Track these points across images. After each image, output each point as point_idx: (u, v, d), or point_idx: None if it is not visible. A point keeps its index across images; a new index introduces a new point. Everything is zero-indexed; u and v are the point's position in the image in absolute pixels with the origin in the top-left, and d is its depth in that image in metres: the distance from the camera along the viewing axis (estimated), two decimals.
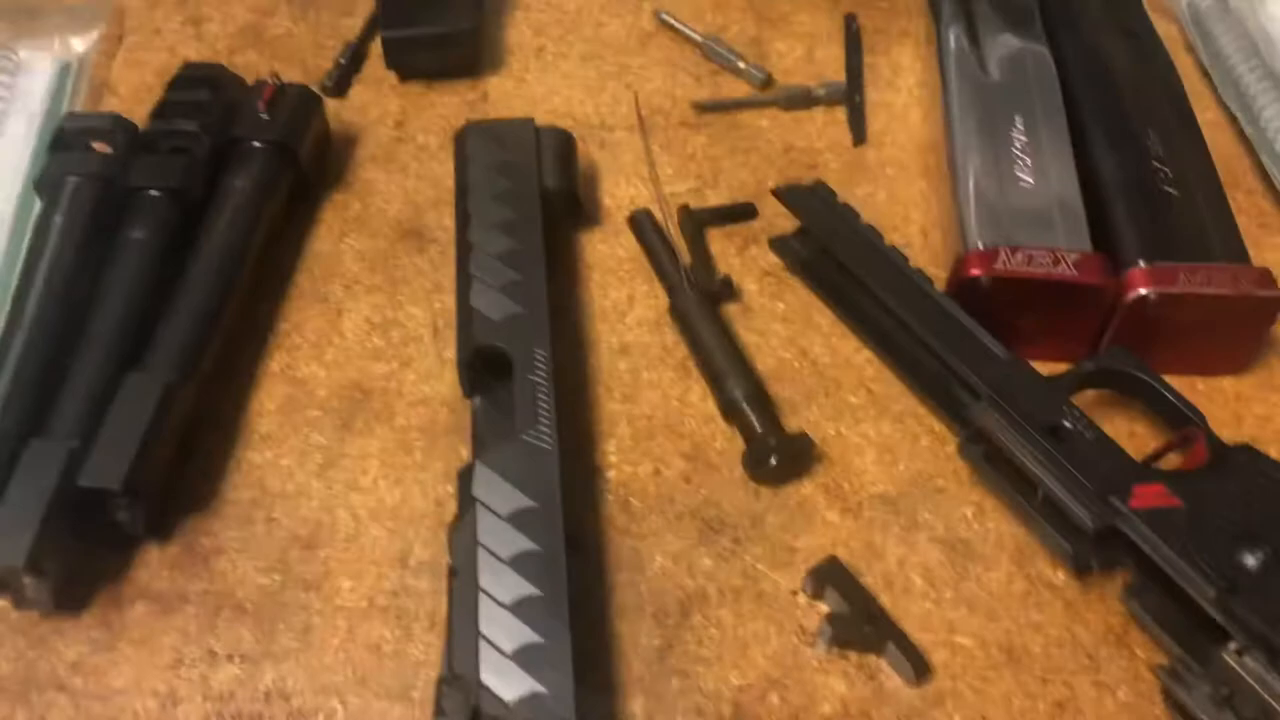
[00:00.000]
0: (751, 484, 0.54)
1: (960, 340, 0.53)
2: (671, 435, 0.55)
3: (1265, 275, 0.53)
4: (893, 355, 0.57)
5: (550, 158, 0.61)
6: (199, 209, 0.59)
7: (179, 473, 0.53)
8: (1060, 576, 0.51)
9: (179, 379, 0.52)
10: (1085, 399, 0.55)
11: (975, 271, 0.54)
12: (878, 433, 0.56)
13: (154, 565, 0.51)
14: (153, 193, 0.58)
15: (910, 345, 0.56)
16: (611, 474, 0.54)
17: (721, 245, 0.63)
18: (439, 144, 0.68)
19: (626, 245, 0.63)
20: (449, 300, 0.60)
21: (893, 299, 0.55)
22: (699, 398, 0.57)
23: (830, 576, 0.50)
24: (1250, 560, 0.44)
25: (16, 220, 0.61)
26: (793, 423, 0.56)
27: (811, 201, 0.59)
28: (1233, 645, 0.43)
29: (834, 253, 0.58)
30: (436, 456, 0.54)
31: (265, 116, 0.62)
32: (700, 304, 0.58)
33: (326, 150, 0.66)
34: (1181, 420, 0.51)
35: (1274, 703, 0.41)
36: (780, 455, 0.52)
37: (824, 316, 0.60)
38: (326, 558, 0.51)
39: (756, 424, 0.53)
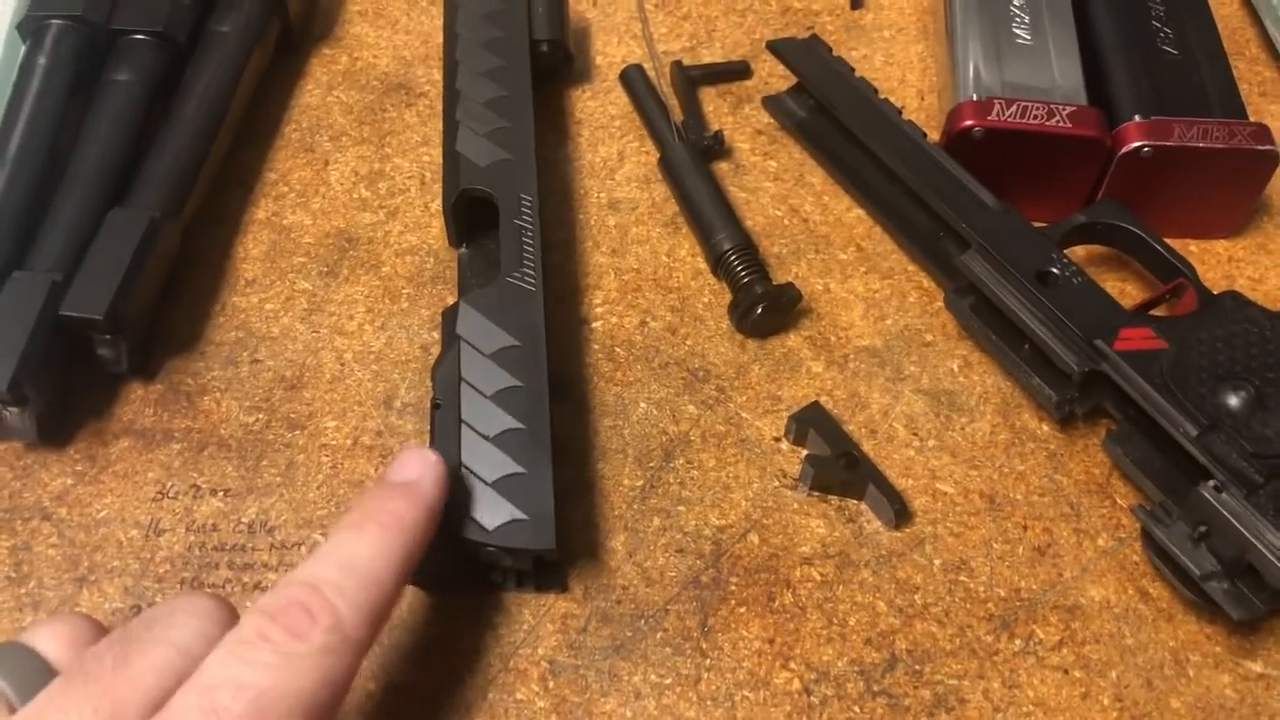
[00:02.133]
0: (738, 336, 0.54)
1: (952, 190, 0.52)
2: (659, 289, 0.55)
3: (1261, 130, 0.53)
4: (884, 212, 0.56)
5: (541, 8, 0.60)
6: (185, 54, 0.58)
7: (164, 314, 0.53)
8: (1045, 428, 0.51)
9: (163, 214, 0.51)
10: (1075, 256, 0.54)
11: (969, 122, 0.53)
12: (866, 288, 0.55)
13: (138, 403, 0.51)
14: (138, 36, 0.57)
15: (902, 201, 0.56)
16: (598, 324, 0.54)
17: (714, 104, 0.62)
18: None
19: (618, 102, 0.62)
20: (436, 154, 0.60)
21: (885, 150, 0.54)
22: (688, 253, 0.56)
23: (812, 420, 0.50)
24: (1233, 400, 0.44)
25: (3, 61, 0.60)
26: (781, 277, 0.55)
27: (806, 54, 0.58)
28: (1211, 482, 0.43)
29: (827, 105, 0.57)
30: (423, 304, 0.54)
31: None
32: (691, 158, 0.57)
33: (314, 2, 0.65)
34: (1172, 273, 0.51)
35: (1250, 537, 0.42)
36: (766, 305, 0.52)
37: (816, 175, 0.59)
38: (311, 398, 0.51)
39: (743, 274, 0.53)
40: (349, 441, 0.50)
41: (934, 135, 0.57)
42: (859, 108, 0.56)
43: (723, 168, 0.59)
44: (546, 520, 0.43)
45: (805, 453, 0.50)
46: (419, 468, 0.40)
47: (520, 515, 0.43)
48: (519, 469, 0.44)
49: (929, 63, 0.64)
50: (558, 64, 0.61)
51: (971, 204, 0.52)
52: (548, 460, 0.45)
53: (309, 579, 0.35)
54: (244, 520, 0.48)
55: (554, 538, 0.43)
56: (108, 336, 0.49)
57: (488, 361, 0.47)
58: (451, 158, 0.54)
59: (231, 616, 0.35)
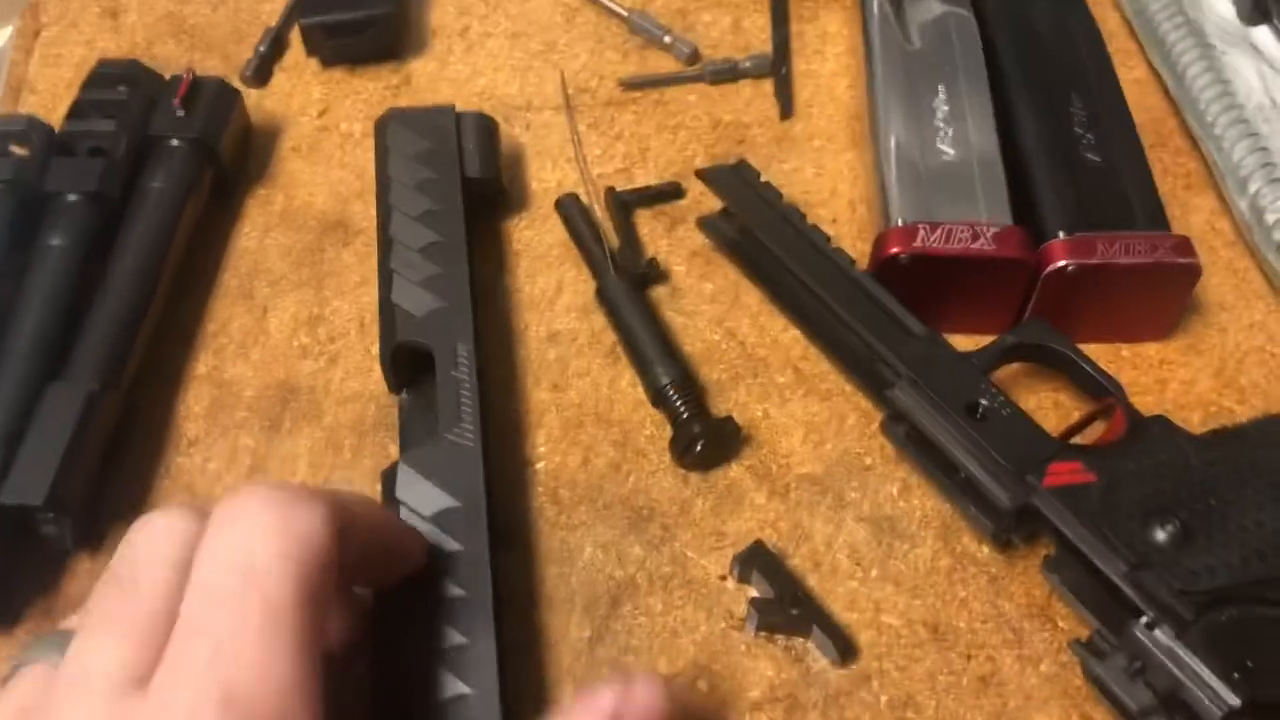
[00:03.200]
0: (680, 470, 0.54)
1: (879, 320, 0.53)
2: (601, 423, 0.56)
3: (1183, 243, 0.54)
4: (819, 334, 0.57)
5: (472, 144, 0.60)
6: (118, 211, 0.58)
7: (107, 481, 0.53)
8: (985, 551, 0.52)
9: (101, 387, 0.52)
10: (1010, 371, 0.55)
11: (894, 250, 0.54)
12: (805, 412, 0.56)
13: (85, 577, 0.51)
14: (70, 197, 0.57)
15: (834, 325, 0.56)
16: (541, 465, 0.55)
17: (650, 226, 0.63)
18: (363, 131, 0.67)
19: (555, 230, 0.63)
20: (375, 295, 0.59)
21: (813, 280, 0.55)
22: (628, 384, 0.57)
23: (755, 561, 0.50)
24: (1160, 534, 0.45)
25: None
26: (721, 405, 0.56)
27: (734, 182, 0.59)
28: (1143, 619, 0.44)
29: (756, 234, 0.57)
30: (365, 454, 0.55)
31: (181, 113, 0.61)
32: (627, 289, 0.58)
33: (247, 143, 0.66)
34: (1101, 391, 0.52)
35: (1181, 676, 0.42)
36: (706, 440, 0.52)
37: (752, 296, 0.60)
38: None
39: (682, 409, 0.53)
40: None
41: (866, 246, 0.58)
42: (786, 236, 0.56)
43: (660, 292, 0.60)
44: (492, 698, 0.43)
45: (750, 592, 0.51)
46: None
47: (464, 690, 0.44)
48: (463, 640, 0.45)
49: (859, 171, 0.64)
50: (492, 197, 0.62)
51: (899, 333, 0.52)
52: (492, 631, 0.45)
53: None
54: None
55: (499, 717, 0.43)
56: (50, 516, 0.49)
57: (429, 525, 0.48)
58: (387, 308, 0.54)
59: (192, 512, 0.36)
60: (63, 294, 0.55)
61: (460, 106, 0.64)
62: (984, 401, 0.50)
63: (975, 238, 0.54)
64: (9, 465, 0.49)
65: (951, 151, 0.58)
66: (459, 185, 0.58)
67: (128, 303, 0.55)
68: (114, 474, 0.54)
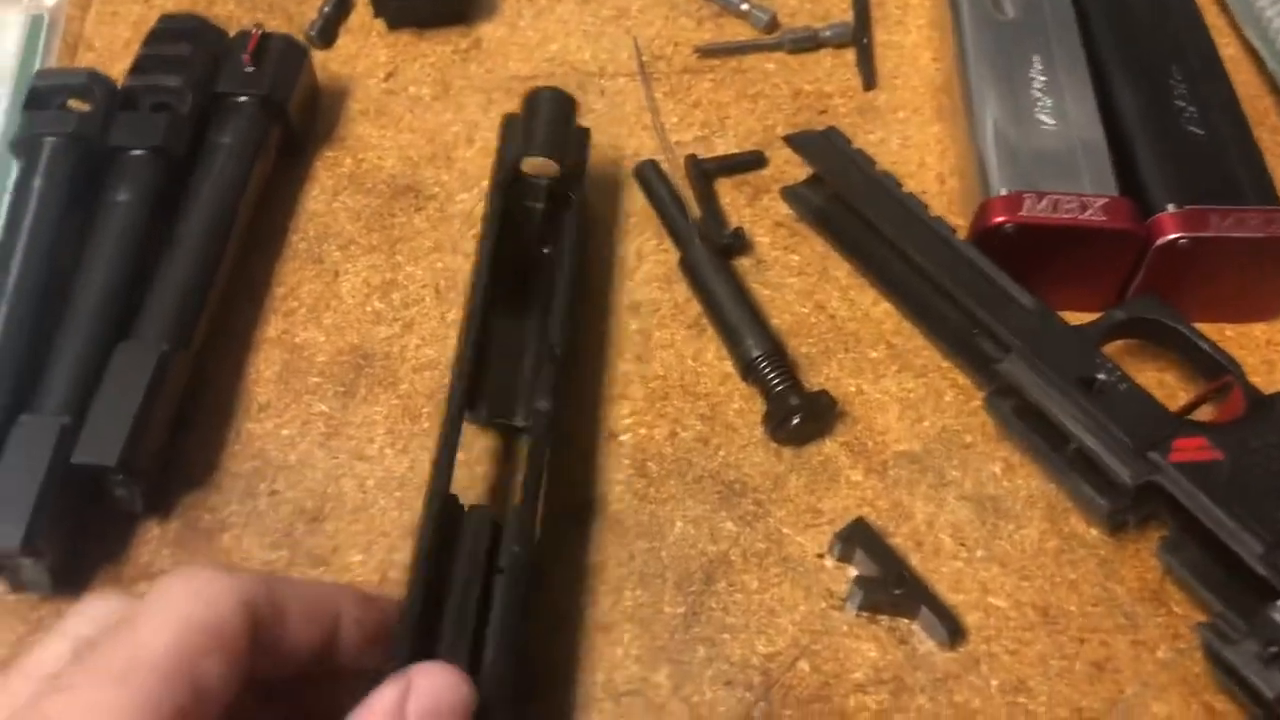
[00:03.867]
0: (772, 445, 0.52)
1: (985, 290, 0.51)
2: (687, 396, 0.54)
3: None
4: (913, 307, 0.55)
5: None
6: (184, 168, 0.56)
7: (176, 446, 0.51)
8: (1093, 534, 0.49)
9: (173, 347, 0.49)
10: (1114, 349, 0.53)
11: (999, 219, 0.52)
12: (900, 388, 0.54)
13: (155, 544, 0.49)
14: (135, 153, 0.55)
15: (932, 297, 0.54)
16: (626, 437, 0.52)
17: (731, 196, 0.61)
18: (432, 95, 0.65)
19: (632, 198, 0.60)
20: (449, 260, 0.58)
21: (912, 248, 0.53)
22: (714, 356, 0.55)
23: (858, 538, 0.48)
24: None
25: None
26: (812, 380, 0.54)
27: (824, 148, 0.57)
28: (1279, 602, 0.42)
29: (849, 201, 0.55)
30: None
31: (250, 69, 0.58)
32: (711, 259, 0.55)
33: (315, 104, 0.63)
34: (1215, 369, 0.50)
35: None
36: (802, 415, 0.50)
37: (840, 268, 0.58)
38: (334, 531, 0.49)
39: (776, 382, 0.51)
40: (376, 577, 0.48)
41: (958, 220, 0.56)
42: (883, 203, 0.54)
43: (744, 264, 0.58)
44: None
45: (852, 571, 0.49)
46: (451, 699, 0.35)
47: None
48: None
49: (947, 144, 0.62)
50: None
51: (1007, 304, 0.50)
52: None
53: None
54: None
55: None
56: (121, 478, 0.47)
57: None
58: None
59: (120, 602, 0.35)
60: (129, 251, 0.52)
61: (531, 72, 0.62)
62: (1100, 376, 0.48)
63: (1084, 208, 0.52)
64: (80, 424, 0.46)
65: (1051, 123, 0.56)
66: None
67: (197, 261, 0.53)
68: (183, 438, 0.51)
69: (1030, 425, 0.49)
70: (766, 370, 0.52)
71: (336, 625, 0.37)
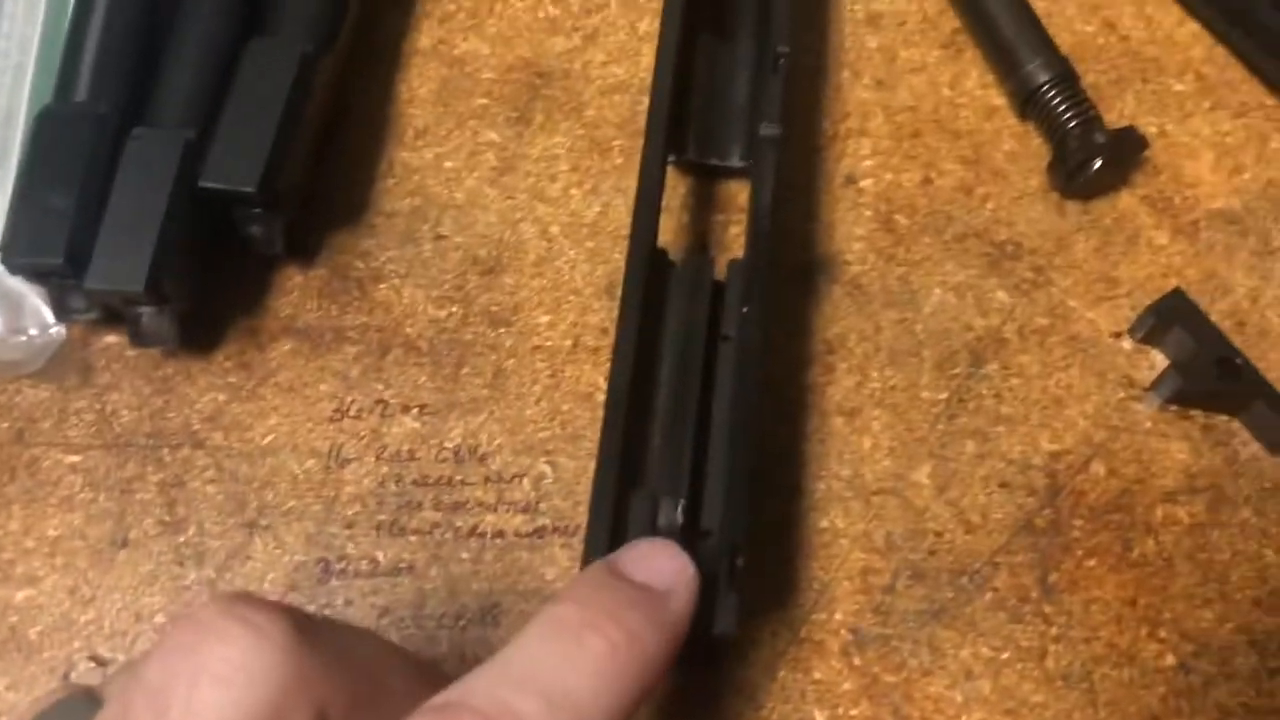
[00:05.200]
0: (1053, 196, 0.41)
1: None
2: (943, 134, 0.43)
3: None
4: (1235, 25, 0.43)
5: None
6: None
7: (320, 176, 0.42)
8: None
9: (317, 47, 0.39)
10: None
11: None
12: (1214, 130, 0.43)
13: (298, 294, 0.40)
14: None
15: (1261, 10, 0.42)
16: (867, 183, 0.42)
17: None
18: None
19: None
20: None
21: None
22: (976, 84, 0.44)
23: (1175, 314, 0.38)
24: None
25: None
26: (1104, 117, 0.43)
27: None
28: None
29: None
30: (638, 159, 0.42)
31: None
32: None
33: None
34: None
35: None
36: (1105, 158, 0.40)
37: None
38: (515, 286, 0.40)
39: (1070, 117, 0.40)
40: (568, 342, 0.39)
41: None
42: None
43: None
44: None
45: (1156, 355, 0.39)
46: (671, 573, 0.27)
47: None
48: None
49: None
50: None
51: None
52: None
53: (499, 706, 0.22)
54: (448, 445, 0.38)
55: None
56: (258, 211, 0.38)
57: None
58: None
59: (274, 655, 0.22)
60: None
61: None
62: None
63: None
64: (207, 141, 0.37)
65: None
66: None
67: None
68: (328, 168, 0.42)
69: None
70: (1056, 101, 0.41)
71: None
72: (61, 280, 0.36)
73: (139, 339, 0.38)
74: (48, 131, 0.37)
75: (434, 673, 0.27)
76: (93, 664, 0.35)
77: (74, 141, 0.36)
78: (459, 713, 0.22)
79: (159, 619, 0.35)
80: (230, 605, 0.22)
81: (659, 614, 0.26)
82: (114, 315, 0.38)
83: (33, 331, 0.39)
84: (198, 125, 0.37)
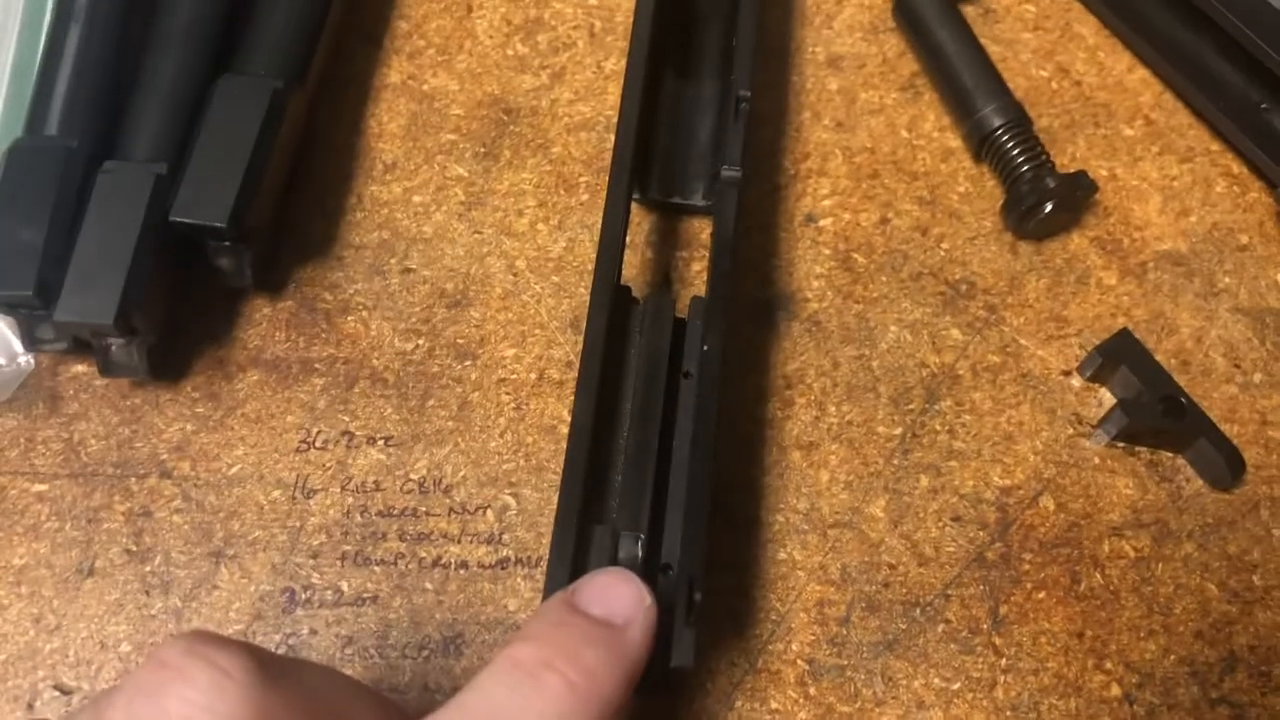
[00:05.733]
0: (1006, 237, 0.43)
1: None
2: (901, 174, 0.44)
3: None
4: (1182, 73, 0.44)
5: None
6: None
7: (289, 208, 0.42)
8: None
9: (287, 83, 0.40)
10: None
11: None
12: (1162, 174, 0.44)
13: (266, 326, 0.41)
14: None
15: (1208, 57, 0.44)
16: (827, 222, 0.43)
17: None
18: None
19: None
20: None
21: None
22: (934, 126, 0.45)
23: (1123, 353, 0.39)
24: None
25: None
26: (1056, 161, 0.44)
27: None
28: None
29: None
30: (604, 194, 0.43)
31: None
32: (936, 3, 0.45)
33: None
34: None
35: None
36: (1056, 202, 0.41)
37: (1087, 24, 0.47)
38: (481, 319, 0.41)
39: (1022, 161, 0.42)
40: (533, 375, 0.40)
41: None
42: None
43: (968, 13, 0.47)
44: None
45: (1104, 393, 0.40)
46: (629, 606, 0.28)
47: None
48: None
49: None
50: None
51: None
52: None
53: None
54: (413, 477, 0.38)
55: None
56: (227, 244, 0.38)
57: None
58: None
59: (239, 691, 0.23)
60: None
61: None
62: None
63: None
64: (177, 175, 0.38)
65: None
66: None
67: None
68: (296, 200, 0.43)
69: None
70: (1009, 145, 0.42)
71: None
72: (31, 311, 0.36)
73: (108, 369, 0.38)
74: (19, 165, 0.37)
75: (395, 709, 0.27)
76: (57, 693, 0.35)
77: (45, 175, 0.37)
78: None
79: (124, 648, 0.36)
80: (193, 645, 0.22)
81: (617, 649, 0.27)
82: (83, 345, 0.38)
83: (1, 361, 0.39)
84: (168, 160, 0.38)
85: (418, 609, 0.36)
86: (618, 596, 0.28)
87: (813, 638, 0.36)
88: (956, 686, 0.36)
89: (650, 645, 0.28)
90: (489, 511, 0.38)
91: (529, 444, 0.39)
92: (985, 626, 0.37)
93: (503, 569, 0.37)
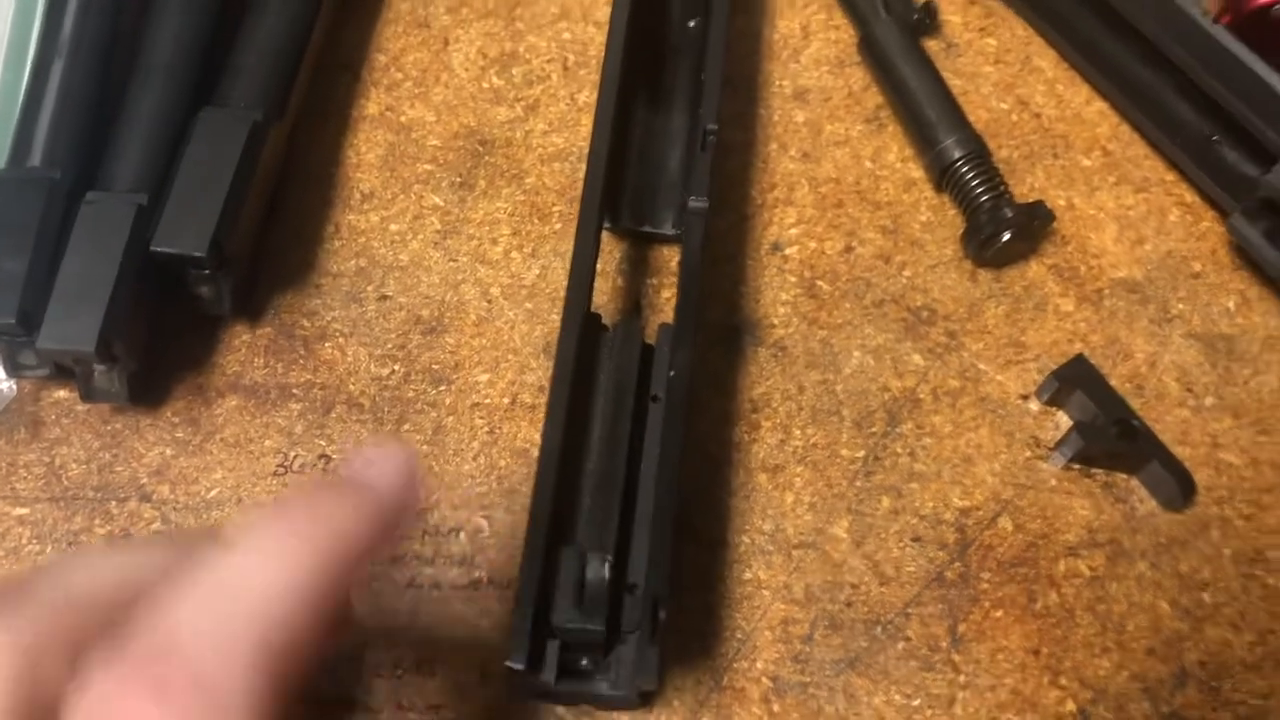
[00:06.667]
0: (966, 265, 0.44)
1: (1251, 87, 0.42)
2: (864, 204, 0.45)
3: None
4: (1138, 106, 0.46)
5: None
6: None
7: (267, 238, 0.43)
8: None
9: (266, 116, 0.41)
10: None
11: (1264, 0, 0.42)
12: (1118, 204, 0.46)
13: (245, 352, 0.42)
14: None
15: (1163, 92, 0.45)
16: (792, 250, 0.44)
17: None
18: None
19: None
20: (579, 31, 0.49)
21: (1152, 29, 0.43)
22: (897, 157, 0.46)
23: (1078, 379, 0.41)
24: None
25: None
26: (1015, 191, 0.45)
27: None
28: None
29: None
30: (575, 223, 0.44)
31: None
32: (900, 38, 0.46)
33: None
34: None
35: None
36: (1014, 231, 0.42)
37: (1046, 57, 0.48)
38: (456, 345, 0.42)
39: (981, 192, 0.43)
40: (506, 400, 0.41)
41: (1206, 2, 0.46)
42: None
43: (931, 47, 0.48)
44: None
45: (1060, 417, 0.41)
46: (391, 470, 0.26)
47: None
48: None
49: None
50: None
51: (1275, 106, 0.41)
52: None
53: (163, 639, 0.22)
54: None
55: None
56: (207, 273, 0.39)
57: None
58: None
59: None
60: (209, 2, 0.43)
61: None
62: None
63: None
64: (158, 205, 0.39)
65: None
66: None
67: (289, 17, 0.44)
68: (275, 229, 0.44)
69: None
70: (969, 176, 0.43)
71: None
72: (14, 338, 0.37)
73: (89, 395, 0.39)
74: (3, 195, 0.38)
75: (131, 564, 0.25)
76: None
77: (28, 205, 0.38)
78: (125, 663, 0.21)
79: None
80: None
81: (363, 503, 0.25)
82: (65, 371, 0.39)
83: None
84: (149, 191, 0.39)
85: (392, 629, 0.37)
86: (378, 460, 0.26)
87: (777, 655, 0.37)
88: (916, 703, 0.37)
89: (411, 503, 0.27)
90: (462, 534, 0.39)
91: (502, 467, 0.40)
92: (944, 644, 0.38)
93: (476, 590, 0.38)
